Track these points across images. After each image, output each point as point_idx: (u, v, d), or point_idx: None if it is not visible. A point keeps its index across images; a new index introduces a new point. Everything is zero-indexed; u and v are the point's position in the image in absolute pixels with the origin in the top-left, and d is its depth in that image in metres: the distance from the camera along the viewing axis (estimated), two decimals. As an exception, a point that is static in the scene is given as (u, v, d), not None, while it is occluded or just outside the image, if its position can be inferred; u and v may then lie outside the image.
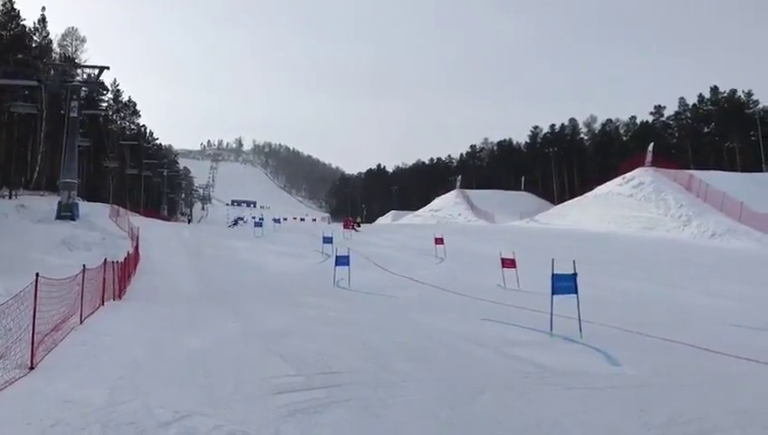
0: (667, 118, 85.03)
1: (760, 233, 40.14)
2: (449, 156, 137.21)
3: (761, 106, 73.60)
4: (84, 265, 12.60)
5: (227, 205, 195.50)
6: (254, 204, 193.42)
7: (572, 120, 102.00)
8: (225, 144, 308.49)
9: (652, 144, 59.70)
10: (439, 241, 31.74)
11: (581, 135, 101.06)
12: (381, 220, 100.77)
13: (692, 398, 7.85)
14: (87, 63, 56.13)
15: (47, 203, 42.15)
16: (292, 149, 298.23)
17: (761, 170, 60.92)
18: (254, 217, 64.43)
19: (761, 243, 38.63)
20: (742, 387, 8.59)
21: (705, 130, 79.17)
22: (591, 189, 62.13)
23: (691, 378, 9.07)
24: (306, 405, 6.86)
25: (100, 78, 45.48)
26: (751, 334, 13.36)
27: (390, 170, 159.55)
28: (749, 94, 75.38)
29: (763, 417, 6.99)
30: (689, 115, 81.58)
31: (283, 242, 38.50)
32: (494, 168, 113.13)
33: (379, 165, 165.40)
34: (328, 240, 30.99)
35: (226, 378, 8.09)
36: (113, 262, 16.27)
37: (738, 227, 42.18)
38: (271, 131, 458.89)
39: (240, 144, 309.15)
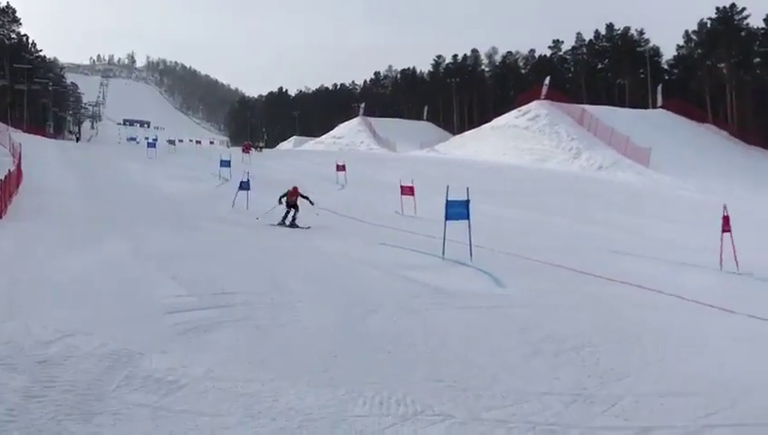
0: (565, 53, 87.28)
1: (642, 166, 42.71)
2: (353, 82, 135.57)
3: (651, 45, 76.82)
4: (-44, 182, 11.73)
5: (119, 124, 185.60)
6: (148, 124, 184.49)
7: (474, 51, 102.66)
8: (116, 59, 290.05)
9: (548, 78, 61.26)
10: (341, 168, 31.69)
11: (483, 66, 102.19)
12: (283, 145, 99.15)
13: (569, 317, 8.38)
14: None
15: None
16: (188, 67, 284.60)
17: (647, 107, 63.99)
18: (147, 138, 61.70)
19: (642, 175, 41.16)
20: (614, 307, 9.25)
21: (600, 66, 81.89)
22: (490, 121, 63.42)
23: (570, 299, 9.66)
24: (197, 324, 6.80)
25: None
26: (628, 260, 14.32)
27: (292, 94, 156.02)
28: (641, 33, 78.33)
29: (630, 333, 7.57)
30: (585, 51, 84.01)
31: (178, 165, 37.25)
32: (397, 96, 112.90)
33: (280, 88, 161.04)
34: (226, 164, 30.20)
35: (114, 298, 7.88)
36: (-9, 180, 15.23)
37: (623, 160, 44.63)
38: (166, 48, 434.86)
39: (133, 60, 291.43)
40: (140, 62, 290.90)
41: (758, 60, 63.03)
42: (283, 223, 17.30)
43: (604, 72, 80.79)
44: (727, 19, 64.20)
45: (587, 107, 55.99)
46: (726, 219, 13.57)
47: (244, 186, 21.12)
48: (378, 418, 4.56)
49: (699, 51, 67.84)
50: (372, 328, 7.20)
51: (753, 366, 6.62)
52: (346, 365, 5.75)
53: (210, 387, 5.00)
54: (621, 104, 66.42)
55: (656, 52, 76.21)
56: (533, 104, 57.35)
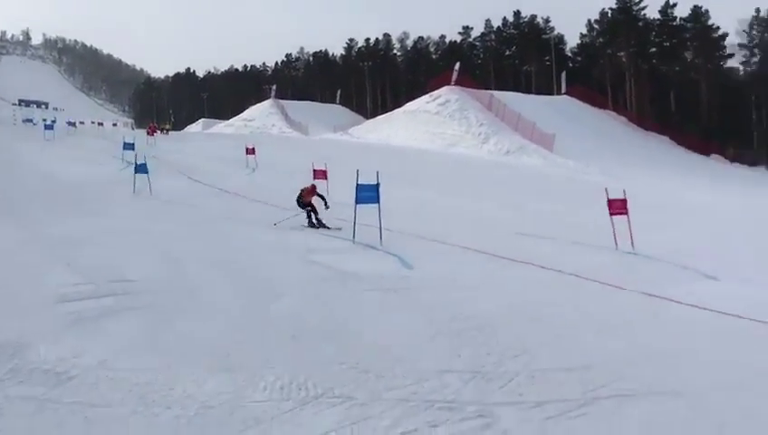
0: (474, 39, 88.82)
1: (546, 151, 44.14)
2: (264, 64, 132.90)
3: (556, 33, 79.33)
4: None
5: (14, 105, 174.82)
6: (47, 105, 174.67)
7: (386, 36, 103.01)
8: (9, 36, 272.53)
9: (458, 64, 62.10)
10: (251, 151, 31.05)
11: (395, 51, 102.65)
12: (191, 128, 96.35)
13: (474, 298, 8.57)
14: None
15: None
16: (89, 46, 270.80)
17: (552, 93, 66.07)
18: (44, 120, 58.48)
19: (546, 160, 42.53)
20: (516, 287, 9.53)
21: (507, 52, 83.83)
22: (402, 105, 63.83)
23: (475, 280, 9.88)
24: (93, 313, 6.54)
25: None
26: (531, 241, 14.78)
27: (201, 75, 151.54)
28: (547, 21, 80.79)
29: (530, 312, 7.83)
30: (493, 38, 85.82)
31: (78, 147, 35.53)
32: (309, 79, 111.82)
33: (188, 69, 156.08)
34: (129, 147, 29.01)
35: (2, 287, 7.44)
36: None
37: (529, 145, 45.93)
38: (64, 25, 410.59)
39: (28, 37, 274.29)
40: (36, 40, 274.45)
41: (654, 50, 66.26)
42: (312, 225, 14.78)
43: (512, 59, 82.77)
44: (626, 9, 67.03)
45: (495, 93, 57.19)
46: (614, 202, 14.31)
47: (142, 169, 20.31)
48: (277, 403, 4.53)
49: (601, 40, 70.58)
50: (278, 313, 7.13)
51: (639, 339, 6.99)
52: (248, 351, 5.67)
53: (103, 377, 4.82)
54: (528, 90, 68.32)
55: (560, 40, 78.77)
56: (444, 90, 58.03)
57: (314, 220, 14.81)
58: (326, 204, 14.88)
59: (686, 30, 64.49)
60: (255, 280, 8.80)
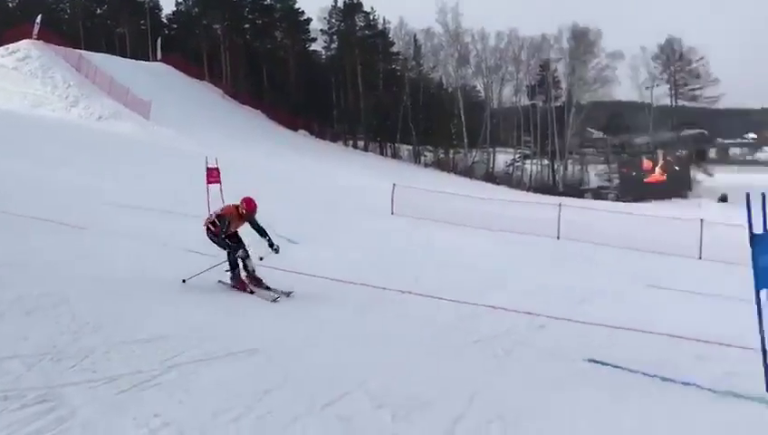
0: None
1: (142, 118, 42.91)
2: None
3: (149, -3, 76.68)
4: None
5: None
6: None
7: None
8: None
9: (40, 16, 55.85)
10: None
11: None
12: None
13: (54, 272, 7.98)
14: None
15: None
16: None
17: (148, 59, 63.88)
18: None
19: (143, 126, 41.39)
20: (104, 260, 9.13)
21: (99, 11, 78.11)
22: (-30, 56, 54.90)
23: (59, 253, 9.16)
24: None
25: None
26: (120, 211, 14.26)
27: None
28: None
29: (113, 283, 7.57)
30: (79, -7, 79.06)
31: None
32: None
33: None
34: None
35: None
36: None
37: (124, 111, 44.03)
38: None
39: None
40: None
41: (248, 26, 68.97)
42: (241, 287, 8.42)
43: (103, 19, 77.44)
44: (219, -18, 68.11)
45: (84, 53, 53.10)
46: (211, 171, 14.81)
47: None
48: None
49: (196, 9, 70.60)
50: None
51: (220, 305, 7.33)
52: None
53: None
54: (123, 54, 64.89)
55: (156, 4, 76.35)
56: (24, 43, 51.58)
57: (249, 271, 8.56)
58: (270, 242, 8.56)
59: (275, 10, 68.40)
60: None
